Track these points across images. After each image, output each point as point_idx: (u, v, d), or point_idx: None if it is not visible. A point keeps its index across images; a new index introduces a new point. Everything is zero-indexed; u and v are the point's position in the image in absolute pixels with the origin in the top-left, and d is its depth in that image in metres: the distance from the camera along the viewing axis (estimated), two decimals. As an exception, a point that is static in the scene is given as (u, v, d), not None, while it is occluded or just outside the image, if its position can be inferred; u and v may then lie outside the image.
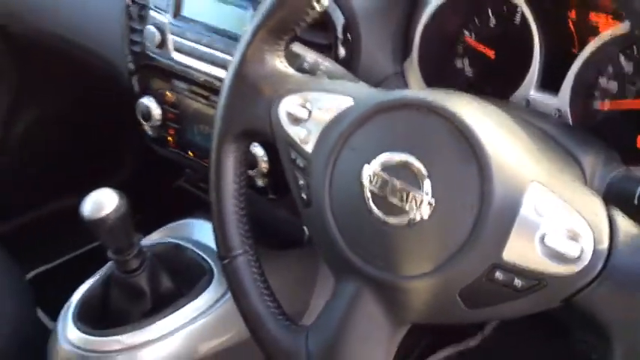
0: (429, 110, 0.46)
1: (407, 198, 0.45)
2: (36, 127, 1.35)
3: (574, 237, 0.43)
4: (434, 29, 0.70)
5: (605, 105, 0.65)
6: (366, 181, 0.47)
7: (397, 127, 0.48)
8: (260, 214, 0.68)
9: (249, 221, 0.60)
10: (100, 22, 1.00)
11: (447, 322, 0.48)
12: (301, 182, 0.52)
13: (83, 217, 0.72)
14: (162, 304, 0.81)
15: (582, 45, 0.63)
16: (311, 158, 0.51)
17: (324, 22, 0.71)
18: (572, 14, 0.65)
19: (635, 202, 0.50)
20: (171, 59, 0.86)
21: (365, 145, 0.48)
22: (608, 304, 0.42)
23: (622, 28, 0.59)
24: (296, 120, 0.53)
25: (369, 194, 0.47)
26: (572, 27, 0.65)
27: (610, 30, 0.61)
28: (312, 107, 0.52)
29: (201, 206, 0.97)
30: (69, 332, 0.80)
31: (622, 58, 0.63)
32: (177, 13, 0.85)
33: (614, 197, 0.52)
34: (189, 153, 0.91)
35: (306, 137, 0.52)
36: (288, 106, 0.54)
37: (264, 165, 0.77)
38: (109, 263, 0.83)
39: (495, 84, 0.68)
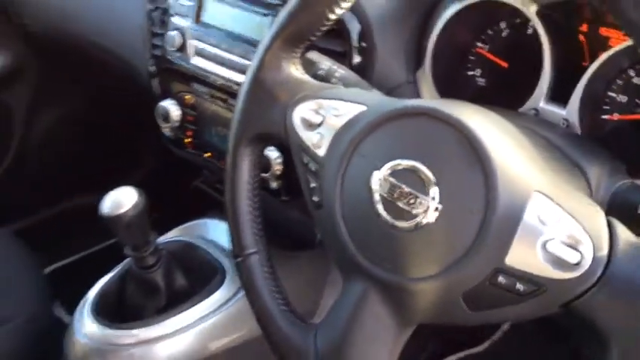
0: (438, 119, 0.48)
1: (414, 203, 0.47)
2: (56, 127, 1.38)
3: (574, 244, 0.44)
4: (447, 39, 0.71)
5: (614, 117, 0.66)
6: (375, 186, 0.49)
7: (406, 134, 0.49)
8: (273, 215, 0.69)
9: (263, 222, 0.61)
10: (122, 26, 1.02)
11: (451, 323, 0.50)
12: (313, 185, 0.54)
13: (102, 213, 0.74)
14: (176, 300, 0.83)
15: (593, 58, 0.64)
16: (323, 162, 0.53)
17: (339, 30, 0.72)
18: (584, 28, 0.67)
19: (639, 212, 0.51)
20: (191, 63, 0.88)
21: (375, 151, 0.50)
22: (606, 311, 0.44)
23: (632, 42, 0.60)
24: (310, 125, 0.55)
25: (378, 198, 0.49)
26: (583, 40, 0.67)
27: (620, 44, 0.62)
28: (326, 113, 0.54)
29: (216, 207, 0.99)
30: (86, 325, 0.82)
31: (631, 72, 0.64)
32: (197, 18, 0.87)
33: (618, 208, 0.53)
34: (207, 154, 0.93)
35: (318, 142, 0.54)
36: (303, 111, 0.55)
37: (277, 168, 0.79)
38: (126, 260, 0.85)
39: (506, 94, 0.69)
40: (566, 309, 0.45)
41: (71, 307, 0.90)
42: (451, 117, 0.48)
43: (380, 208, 0.48)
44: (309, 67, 0.65)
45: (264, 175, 0.78)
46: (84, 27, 1.12)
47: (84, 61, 1.20)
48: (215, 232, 0.95)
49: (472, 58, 0.75)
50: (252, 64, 0.59)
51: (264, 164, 0.78)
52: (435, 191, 0.47)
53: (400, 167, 0.48)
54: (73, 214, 1.42)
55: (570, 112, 0.64)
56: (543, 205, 0.45)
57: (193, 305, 0.83)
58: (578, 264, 0.44)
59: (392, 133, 0.50)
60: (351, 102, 0.54)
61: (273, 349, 0.58)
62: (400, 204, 0.48)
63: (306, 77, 0.59)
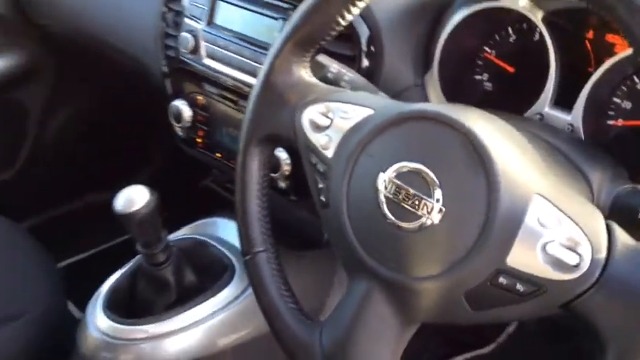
0: (443, 123, 0.49)
1: (419, 204, 0.48)
2: (69, 126, 1.40)
3: (573, 246, 0.45)
4: (455, 44, 0.72)
5: (619, 123, 0.67)
6: (381, 187, 0.50)
7: (412, 137, 0.51)
8: (281, 215, 0.71)
9: (271, 221, 0.63)
10: (137, 27, 1.03)
11: (453, 322, 0.51)
12: (321, 185, 0.55)
13: (115, 211, 0.76)
14: (186, 296, 0.85)
15: (598, 64, 0.65)
16: (330, 163, 0.54)
17: (349, 34, 0.74)
18: (590, 35, 0.67)
19: (639, 216, 0.52)
20: (203, 64, 0.90)
21: (381, 153, 0.51)
22: (603, 311, 0.45)
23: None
24: (318, 127, 0.56)
25: (383, 199, 0.50)
26: (589, 47, 0.68)
27: (625, 51, 0.63)
28: (334, 116, 0.56)
29: (225, 206, 1.01)
30: (98, 320, 0.84)
31: (636, 79, 0.65)
32: (210, 21, 0.89)
33: (619, 212, 0.54)
34: (217, 154, 0.94)
35: (326, 143, 0.55)
36: (312, 114, 0.57)
37: (286, 168, 0.80)
38: (138, 256, 0.87)
39: (512, 99, 0.70)
40: (565, 309, 0.46)
41: (83, 302, 0.92)
42: (456, 121, 0.49)
43: (385, 208, 0.50)
44: (319, 70, 0.67)
45: (273, 175, 0.80)
46: (99, 28, 1.13)
47: (98, 61, 1.22)
48: (224, 230, 0.96)
49: (479, 62, 0.76)
50: (263, 67, 0.61)
51: (274, 164, 0.80)
52: (438, 193, 0.48)
53: (405, 169, 0.50)
54: (84, 212, 1.44)
55: (575, 117, 0.65)
56: (544, 208, 0.46)
57: (202, 302, 0.84)
58: (577, 266, 0.45)
59: (398, 136, 0.51)
60: (358, 105, 0.56)
61: (281, 345, 0.60)
62: (405, 205, 0.49)
63: (315, 81, 0.60)
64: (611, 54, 0.65)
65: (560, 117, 0.66)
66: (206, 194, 1.14)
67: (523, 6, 0.67)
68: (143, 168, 1.47)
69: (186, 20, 0.91)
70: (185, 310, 0.83)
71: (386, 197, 0.50)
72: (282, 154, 0.80)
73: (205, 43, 0.89)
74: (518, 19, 0.69)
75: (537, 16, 0.67)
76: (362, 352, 0.53)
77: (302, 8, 0.58)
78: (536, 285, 0.46)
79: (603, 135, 0.67)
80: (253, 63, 0.84)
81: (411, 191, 0.49)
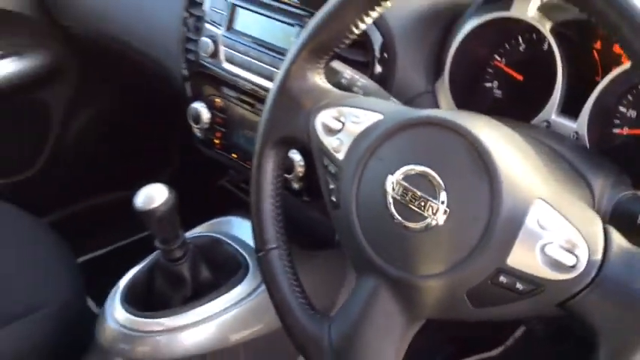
0: (449, 129, 0.52)
1: (425, 206, 0.51)
2: (91, 125, 1.43)
3: (571, 248, 0.47)
4: (465, 52, 0.74)
5: (624, 131, 0.68)
6: (389, 189, 0.52)
7: (420, 142, 0.53)
8: (294, 214, 0.73)
9: (284, 219, 0.65)
10: (159, 31, 1.06)
11: (456, 319, 0.53)
12: (332, 186, 0.58)
13: (135, 207, 0.78)
14: (201, 292, 0.87)
15: (605, 74, 0.67)
16: (342, 165, 0.57)
17: (363, 41, 0.76)
18: (598, 45, 0.69)
19: (638, 222, 0.54)
20: (222, 68, 0.92)
21: (390, 156, 0.53)
22: (598, 310, 0.47)
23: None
24: (330, 131, 0.59)
25: (391, 200, 0.52)
26: (596, 57, 0.69)
27: None
28: (346, 120, 0.58)
29: (240, 205, 1.02)
30: (116, 312, 0.87)
31: None
32: (230, 26, 0.91)
33: (620, 217, 0.55)
34: (233, 155, 0.96)
35: (338, 146, 0.58)
36: (325, 118, 0.59)
37: (300, 170, 0.82)
38: (155, 252, 0.90)
39: (521, 106, 0.72)
40: (562, 308, 0.48)
41: (100, 297, 0.94)
42: (462, 127, 0.51)
43: (393, 209, 0.52)
44: (333, 75, 0.69)
45: (287, 176, 0.82)
46: (121, 30, 1.16)
47: (120, 63, 1.25)
48: (239, 229, 0.98)
49: (490, 70, 0.77)
50: (279, 72, 0.63)
51: (288, 166, 0.82)
52: (444, 196, 0.50)
53: (413, 172, 0.52)
54: (104, 209, 1.47)
55: (580, 125, 0.66)
56: (544, 211, 0.48)
57: (217, 297, 0.87)
58: (573, 266, 0.47)
59: (406, 141, 0.53)
60: (369, 110, 0.58)
61: (291, 338, 0.62)
62: (412, 206, 0.51)
63: (329, 86, 0.63)
64: (618, 64, 0.66)
65: (566, 125, 0.68)
66: (222, 194, 1.16)
67: (532, 17, 0.69)
68: (162, 168, 1.49)
69: (207, 25, 0.93)
70: (200, 305, 0.85)
71: (394, 198, 0.52)
72: (296, 156, 0.82)
73: (224, 48, 0.91)
74: (527, 29, 0.71)
75: (546, 27, 0.68)
76: (369, 346, 0.55)
77: (318, 16, 0.61)
78: (535, 284, 0.48)
79: (608, 143, 0.68)
80: (270, 67, 0.86)
81: (418, 193, 0.51)
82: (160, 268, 0.88)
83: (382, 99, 0.64)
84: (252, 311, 0.88)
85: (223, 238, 0.96)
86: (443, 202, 0.50)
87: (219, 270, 0.91)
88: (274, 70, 0.85)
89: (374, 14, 0.59)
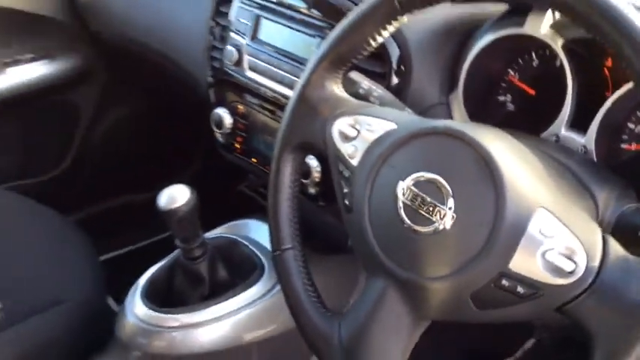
0: (459, 139, 0.54)
1: (433, 211, 0.53)
2: (117, 127, 1.47)
3: (570, 255, 0.50)
4: (479, 66, 0.76)
5: (632, 147, 0.70)
6: (399, 194, 0.55)
7: (430, 150, 0.55)
8: (310, 218, 0.75)
9: (300, 222, 0.68)
10: (186, 39, 1.09)
11: (459, 320, 0.55)
12: (345, 191, 0.60)
13: (158, 207, 0.81)
14: (217, 291, 0.90)
15: (615, 90, 0.68)
16: (355, 171, 0.60)
17: (380, 53, 0.78)
18: (609, 62, 0.71)
19: (639, 234, 0.56)
20: (246, 76, 0.95)
21: (401, 163, 0.56)
22: (594, 314, 0.49)
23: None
24: (346, 138, 0.61)
25: (401, 205, 0.55)
26: (607, 73, 0.70)
27: None
28: (361, 128, 0.61)
29: (258, 210, 1.05)
30: (136, 308, 0.90)
31: None
32: (254, 36, 0.94)
33: (622, 229, 0.57)
34: (253, 159, 0.99)
35: (353, 153, 0.60)
36: (341, 125, 0.62)
37: (316, 175, 0.85)
38: (176, 251, 0.93)
39: (532, 120, 0.74)
40: (560, 311, 0.50)
41: (119, 296, 0.97)
42: (471, 138, 0.54)
43: (403, 214, 0.55)
44: (351, 86, 0.71)
45: (304, 181, 0.84)
46: (150, 37, 1.19)
47: (147, 67, 1.28)
48: (256, 231, 1.01)
49: (503, 84, 0.79)
50: (299, 81, 0.66)
51: (305, 171, 0.84)
52: (451, 202, 0.53)
53: (423, 179, 0.54)
54: (127, 209, 1.50)
55: (588, 139, 0.68)
56: (546, 219, 0.51)
57: (233, 296, 0.89)
58: (572, 272, 0.49)
59: (417, 149, 0.56)
60: (383, 119, 0.61)
61: (303, 335, 0.65)
62: (421, 211, 0.54)
63: (346, 95, 0.66)
64: (628, 81, 0.67)
65: (575, 139, 0.69)
66: (241, 198, 1.19)
67: (544, 34, 0.71)
68: (184, 171, 1.51)
69: (232, 35, 0.96)
70: (216, 303, 0.88)
71: (404, 203, 0.55)
72: (313, 161, 0.84)
73: (248, 57, 0.94)
74: (540, 45, 0.73)
75: (558, 44, 0.70)
76: (376, 344, 0.57)
77: (338, 29, 0.64)
78: (535, 288, 0.50)
79: (616, 158, 0.70)
80: (291, 76, 0.88)
81: (427, 199, 0.54)
82: (180, 266, 0.91)
83: (397, 109, 0.67)
84: (266, 311, 0.91)
85: (241, 240, 0.99)
86: (450, 208, 0.53)
87: (236, 270, 0.93)
88: (295, 78, 0.87)
89: (391, 28, 0.62)
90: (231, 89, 0.99)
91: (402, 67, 0.78)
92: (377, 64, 0.79)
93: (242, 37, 0.95)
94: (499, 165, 0.52)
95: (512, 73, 0.79)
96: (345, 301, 0.99)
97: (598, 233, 0.51)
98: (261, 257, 0.95)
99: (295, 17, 0.89)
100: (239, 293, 0.90)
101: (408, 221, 0.54)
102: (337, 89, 0.66)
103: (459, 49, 0.78)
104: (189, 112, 1.32)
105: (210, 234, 1.01)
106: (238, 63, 0.95)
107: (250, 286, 0.91)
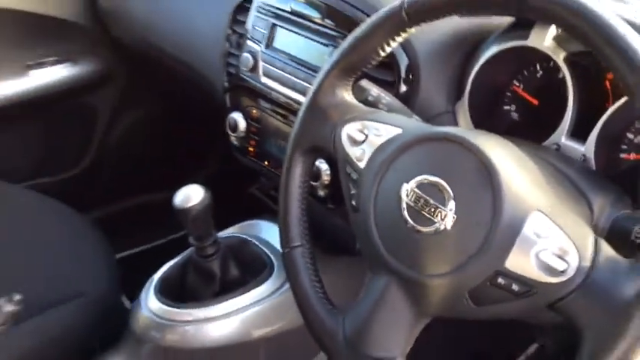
0: (461, 145, 0.57)
1: (434, 212, 0.56)
2: (135, 129, 1.50)
3: (562, 255, 0.52)
4: (485, 77, 0.79)
5: (631, 156, 0.73)
6: (403, 196, 0.58)
7: (433, 155, 0.58)
8: (319, 220, 0.78)
9: (308, 221, 0.71)
10: (203, 45, 1.12)
11: (458, 316, 0.58)
12: (353, 192, 0.63)
13: (174, 205, 0.85)
14: (228, 288, 0.93)
15: (616, 101, 0.70)
16: (362, 173, 0.63)
17: (390, 62, 0.81)
18: (610, 75, 0.73)
19: (632, 238, 0.59)
20: (260, 82, 0.97)
21: (406, 167, 0.59)
22: (583, 311, 0.51)
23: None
24: (354, 142, 0.65)
25: (405, 206, 0.58)
26: (608, 86, 0.73)
27: None
28: (369, 132, 0.64)
29: (268, 212, 1.08)
30: (150, 302, 0.93)
31: None
32: (269, 44, 0.97)
33: (616, 234, 0.59)
34: (266, 162, 1.02)
35: (360, 156, 0.63)
36: (350, 130, 0.65)
37: (326, 178, 0.87)
38: (189, 249, 0.96)
39: (535, 129, 0.76)
40: (552, 309, 0.53)
41: (133, 294, 0.99)
42: (472, 144, 0.57)
43: (406, 214, 0.58)
44: (361, 93, 0.74)
45: (314, 183, 0.87)
46: (168, 43, 1.23)
47: (164, 72, 1.31)
48: (267, 232, 1.04)
49: (508, 94, 0.82)
50: (311, 87, 0.69)
51: (315, 174, 0.87)
52: (452, 204, 0.56)
53: (426, 182, 0.57)
54: (142, 209, 1.53)
55: (588, 148, 0.70)
56: (540, 221, 0.54)
57: (243, 293, 0.93)
58: (564, 271, 0.52)
59: (421, 153, 0.59)
60: (390, 125, 0.64)
61: (309, 329, 0.68)
62: (423, 212, 0.57)
63: (355, 102, 0.69)
64: (628, 93, 0.70)
65: (575, 148, 0.72)
66: (252, 200, 1.22)
67: (547, 46, 0.73)
68: (198, 173, 1.54)
69: (248, 42, 0.99)
70: (227, 300, 0.92)
71: (407, 205, 0.58)
72: (323, 165, 0.87)
73: (263, 64, 0.97)
74: (544, 57, 0.75)
75: (560, 56, 0.73)
76: (378, 338, 0.60)
77: (350, 39, 0.67)
78: (529, 286, 0.53)
79: (615, 167, 0.72)
80: (304, 83, 0.91)
81: (430, 201, 0.57)
82: (193, 263, 0.94)
83: (404, 116, 0.70)
84: (275, 309, 0.94)
85: (251, 240, 1.02)
86: (451, 210, 0.56)
87: (247, 268, 0.96)
88: (308, 85, 0.90)
89: (399, 39, 0.65)
90: (246, 94, 1.02)
91: (411, 76, 0.81)
92: (386, 73, 0.82)
93: (258, 45, 0.98)
94: (498, 170, 0.55)
95: (517, 83, 0.82)
96: (350, 300, 1.01)
97: (590, 236, 0.54)
98: (271, 256, 0.98)
99: (309, 26, 0.92)
100: (249, 290, 0.93)
101: (411, 221, 0.57)
102: (347, 96, 0.69)
103: (466, 60, 0.80)
104: (205, 116, 1.35)
105: (223, 233, 1.04)
106: (253, 69, 0.98)
107: (260, 284, 0.94)
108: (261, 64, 0.97)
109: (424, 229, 0.57)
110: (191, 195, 0.85)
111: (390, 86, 0.81)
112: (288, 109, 0.96)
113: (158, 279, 0.96)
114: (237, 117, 1.03)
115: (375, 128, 0.64)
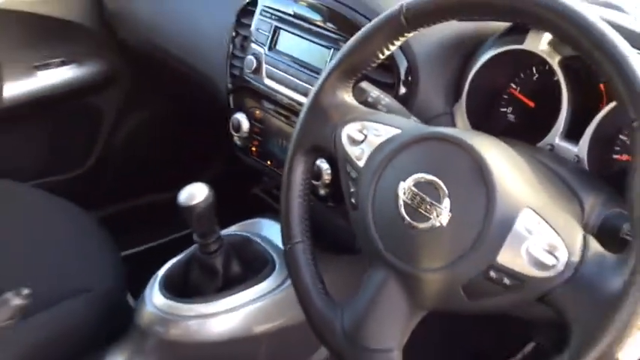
0: (456, 145, 0.59)
1: (430, 209, 0.58)
2: (139, 130, 1.52)
3: (552, 250, 0.55)
4: (482, 79, 0.81)
5: (623, 157, 0.74)
6: (400, 193, 0.60)
7: (429, 154, 0.61)
8: (320, 219, 0.80)
9: (310, 219, 0.73)
10: (208, 47, 1.14)
11: (452, 310, 0.60)
12: (352, 190, 0.66)
13: (179, 203, 0.87)
14: (231, 284, 0.95)
15: (609, 103, 0.72)
16: (361, 171, 0.65)
17: (389, 64, 0.83)
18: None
19: (621, 235, 0.61)
20: (263, 84, 0.99)
21: (403, 165, 0.61)
22: (571, 304, 0.53)
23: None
24: (354, 141, 0.67)
25: (402, 203, 0.60)
26: (602, 89, 0.75)
27: None
28: (368, 133, 0.66)
29: (270, 211, 1.10)
30: (154, 297, 0.95)
31: None
32: (272, 46, 0.99)
33: (606, 231, 0.62)
34: (268, 162, 1.04)
35: (360, 155, 0.66)
36: (350, 130, 0.68)
37: (327, 177, 0.89)
38: (192, 246, 0.98)
39: (530, 130, 0.78)
40: (541, 301, 0.55)
41: (137, 291, 1.01)
42: (467, 144, 0.59)
43: (403, 211, 0.60)
44: (361, 94, 0.76)
45: (315, 182, 0.89)
46: (172, 44, 1.25)
47: (169, 73, 1.33)
48: (269, 230, 1.06)
49: (505, 96, 0.84)
50: (313, 89, 0.72)
51: (316, 173, 0.89)
52: (447, 201, 0.58)
53: (422, 180, 0.60)
54: (147, 208, 1.55)
55: (581, 149, 0.72)
56: (531, 218, 0.56)
57: (245, 289, 0.94)
58: (553, 266, 0.54)
59: (418, 153, 0.61)
60: (389, 125, 0.66)
61: (310, 322, 0.70)
62: (419, 209, 0.59)
63: (356, 103, 0.71)
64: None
65: (569, 149, 0.74)
66: (255, 200, 1.23)
67: (542, 50, 0.75)
68: (202, 174, 1.56)
69: (252, 45, 1.01)
70: (229, 295, 0.93)
71: (404, 202, 0.60)
72: (324, 164, 0.89)
73: (267, 66, 0.99)
74: (540, 60, 0.77)
75: (555, 60, 0.75)
76: (375, 331, 0.62)
77: (351, 42, 0.69)
78: (519, 280, 0.55)
79: (608, 168, 0.74)
80: (306, 85, 0.93)
81: (426, 198, 0.59)
82: (196, 259, 0.96)
83: (403, 117, 0.72)
84: (276, 305, 0.96)
85: (254, 238, 1.04)
86: (446, 207, 0.58)
87: (249, 265, 0.98)
88: (309, 87, 0.92)
89: (398, 42, 0.67)
90: (250, 95, 1.03)
91: (410, 78, 0.83)
92: (386, 75, 0.84)
93: (261, 47, 1.00)
94: (491, 169, 0.57)
95: (513, 86, 0.83)
96: (349, 296, 1.03)
97: (579, 233, 0.56)
98: (273, 254, 1.00)
99: (312, 30, 0.94)
100: (251, 287, 0.95)
101: (408, 218, 0.59)
102: (348, 97, 0.71)
103: (464, 63, 0.82)
104: (208, 116, 1.36)
105: (226, 231, 1.06)
106: (257, 71, 1.00)
107: (262, 280, 0.96)
108: (264, 66, 0.99)
109: (420, 226, 0.59)
110: (195, 193, 0.87)
111: (389, 88, 0.83)
112: (290, 110, 0.97)
113: (162, 275, 0.98)
114: (241, 118, 1.04)
115: (375, 129, 0.66)
